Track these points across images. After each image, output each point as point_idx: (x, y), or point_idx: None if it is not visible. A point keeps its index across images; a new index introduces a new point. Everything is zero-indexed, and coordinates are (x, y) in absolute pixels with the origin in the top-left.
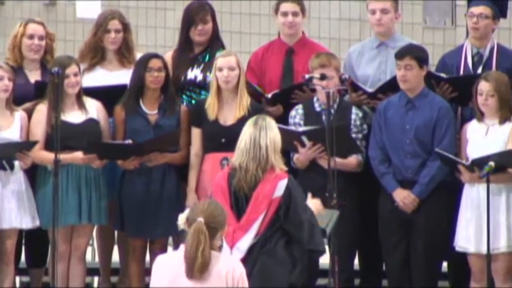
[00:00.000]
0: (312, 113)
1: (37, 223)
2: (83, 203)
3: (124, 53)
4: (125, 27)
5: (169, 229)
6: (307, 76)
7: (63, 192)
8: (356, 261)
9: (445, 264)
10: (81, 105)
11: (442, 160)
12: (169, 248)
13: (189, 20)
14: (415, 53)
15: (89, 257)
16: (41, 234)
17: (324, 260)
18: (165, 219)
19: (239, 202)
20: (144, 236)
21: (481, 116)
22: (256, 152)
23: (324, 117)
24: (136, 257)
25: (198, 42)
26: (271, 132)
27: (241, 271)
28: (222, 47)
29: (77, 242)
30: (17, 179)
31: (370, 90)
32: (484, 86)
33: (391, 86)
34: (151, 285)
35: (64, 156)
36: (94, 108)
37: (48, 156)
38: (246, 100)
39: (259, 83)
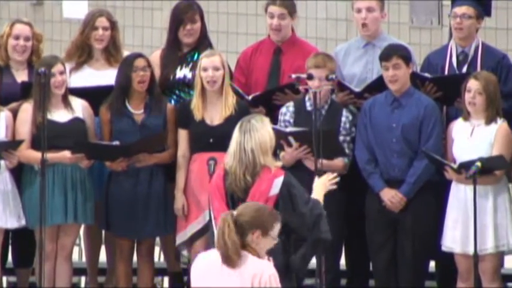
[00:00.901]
0: (302, 112)
1: (23, 222)
2: (69, 203)
3: (111, 51)
4: (113, 26)
5: (157, 229)
6: (293, 76)
7: (49, 192)
8: (342, 261)
9: (432, 263)
10: (67, 104)
11: (429, 160)
12: (157, 248)
13: (178, 20)
14: (401, 52)
15: (76, 257)
16: (27, 234)
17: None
18: (153, 220)
19: (235, 203)
20: (131, 236)
21: (467, 115)
22: (242, 156)
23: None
24: (124, 257)
25: (187, 43)
26: (256, 134)
27: (269, 274)
28: (210, 46)
29: (64, 242)
30: (3, 178)
31: (356, 89)
32: (473, 84)
33: (377, 86)
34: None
35: (51, 156)
36: (80, 107)
37: (34, 156)
38: (231, 99)
39: (247, 82)
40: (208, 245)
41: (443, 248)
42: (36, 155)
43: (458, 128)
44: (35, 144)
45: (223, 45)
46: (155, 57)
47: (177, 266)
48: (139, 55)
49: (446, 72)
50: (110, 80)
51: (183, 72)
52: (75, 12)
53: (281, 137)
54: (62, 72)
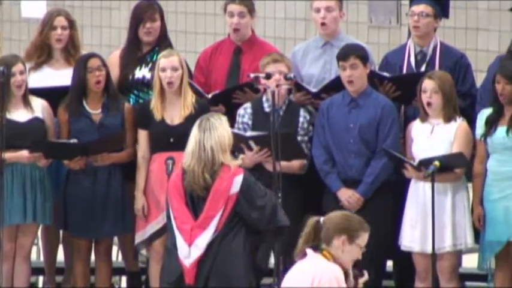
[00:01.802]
0: (260, 113)
1: None
2: (28, 203)
3: (70, 51)
4: (71, 25)
5: (115, 229)
6: (252, 75)
7: (8, 192)
8: None
9: (390, 263)
10: (27, 104)
11: (389, 158)
12: (114, 248)
13: (138, 19)
14: (358, 52)
15: (34, 256)
16: None
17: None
18: (111, 219)
19: (195, 201)
20: (89, 236)
21: (425, 116)
22: (201, 154)
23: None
24: (81, 256)
25: (146, 41)
26: (216, 133)
27: (329, 277)
28: (170, 46)
29: (22, 242)
30: None
31: (313, 90)
32: (428, 84)
33: (334, 86)
34: None
35: (9, 155)
36: (40, 107)
37: None
38: (190, 98)
39: (206, 82)
40: (170, 246)
41: (402, 248)
42: None
43: (418, 128)
44: None
45: (181, 44)
46: (114, 57)
47: (135, 265)
48: (93, 55)
49: (404, 72)
50: (69, 80)
51: (142, 72)
52: (33, 11)
53: (242, 141)
54: (22, 72)
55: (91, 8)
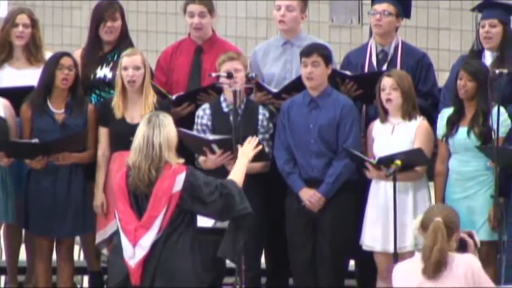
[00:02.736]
0: (219, 114)
1: None
2: None
3: (32, 50)
4: (34, 23)
5: (76, 228)
6: (213, 74)
7: None
8: (263, 259)
9: (352, 262)
10: None
11: (350, 157)
12: (76, 247)
13: (98, 18)
14: (322, 51)
15: None
16: None
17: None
18: (72, 219)
19: (139, 201)
20: (50, 235)
21: (384, 116)
22: (150, 151)
23: (231, 118)
24: (43, 256)
25: (107, 41)
26: (164, 130)
27: (478, 265)
28: (131, 45)
29: None
30: None
31: (274, 90)
32: (386, 82)
33: (295, 86)
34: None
35: None
36: (1, 106)
37: None
38: (151, 98)
39: (168, 81)
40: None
41: (364, 247)
42: None
43: (379, 128)
44: None
45: (143, 44)
46: (76, 57)
47: (97, 265)
48: (67, 54)
49: (366, 71)
50: (30, 80)
51: (103, 71)
52: None
53: (204, 144)
54: None
55: (52, 8)
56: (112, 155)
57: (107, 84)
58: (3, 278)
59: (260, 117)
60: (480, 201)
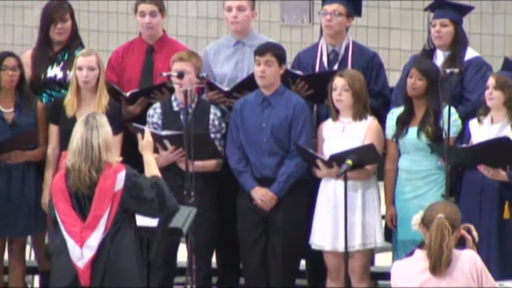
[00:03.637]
0: (170, 113)
1: None
2: None
3: None
4: None
5: (29, 227)
6: (164, 74)
7: None
8: (214, 259)
9: (303, 262)
10: None
11: (301, 154)
12: (27, 247)
13: (48, 19)
14: (276, 51)
15: None
16: None
17: (182, 258)
18: (25, 218)
19: (81, 202)
20: (2, 235)
21: (336, 115)
22: (89, 152)
23: (182, 117)
24: None
25: (58, 41)
26: (102, 131)
27: (481, 261)
28: (81, 44)
29: None
30: None
31: (226, 89)
32: (338, 82)
33: (247, 85)
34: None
35: None
36: None
37: None
38: (104, 99)
39: (119, 81)
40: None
41: (313, 246)
42: None
43: (329, 127)
44: None
45: (94, 43)
46: (26, 57)
47: (48, 264)
48: (10, 54)
49: (317, 71)
50: None
51: (54, 71)
52: None
53: (156, 140)
54: None
55: (4, 7)
56: (62, 152)
57: (58, 84)
58: None
59: (211, 116)
60: (431, 200)
